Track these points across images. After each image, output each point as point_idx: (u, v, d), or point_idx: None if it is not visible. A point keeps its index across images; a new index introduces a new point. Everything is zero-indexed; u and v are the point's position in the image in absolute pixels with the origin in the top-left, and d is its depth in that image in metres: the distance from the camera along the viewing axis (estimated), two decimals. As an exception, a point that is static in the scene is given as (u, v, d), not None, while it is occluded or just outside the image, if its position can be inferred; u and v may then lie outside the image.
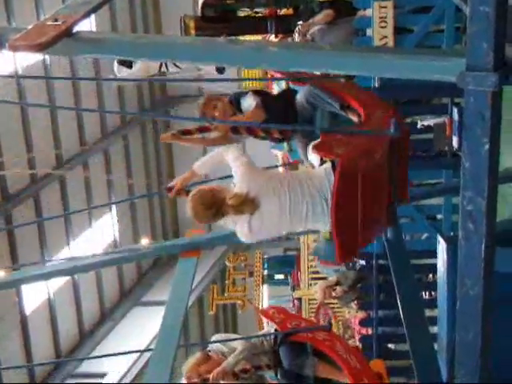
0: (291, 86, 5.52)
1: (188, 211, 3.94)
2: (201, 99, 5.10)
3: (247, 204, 3.84)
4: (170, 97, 22.28)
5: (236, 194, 3.86)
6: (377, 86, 6.67)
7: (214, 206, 3.85)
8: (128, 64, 12.66)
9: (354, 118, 4.46)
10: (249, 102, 4.98)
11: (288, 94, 5.17)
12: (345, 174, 3.65)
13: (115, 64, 12.92)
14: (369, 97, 4.65)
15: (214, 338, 6.11)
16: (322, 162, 4.12)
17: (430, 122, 7.36)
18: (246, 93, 5.18)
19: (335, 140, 3.79)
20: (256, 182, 3.90)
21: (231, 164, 4.06)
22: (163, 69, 14.08)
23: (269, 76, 12.05)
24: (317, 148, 3.83)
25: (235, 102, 5.11)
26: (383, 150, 3.84)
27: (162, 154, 22.38)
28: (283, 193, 3.88)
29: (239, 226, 3.94)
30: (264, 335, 5.66)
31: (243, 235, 3.97)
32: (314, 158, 4.23)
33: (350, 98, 4.50)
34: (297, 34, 7.91)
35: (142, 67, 13.16)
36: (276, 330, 5.41)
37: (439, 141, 7.00)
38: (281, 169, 9.44)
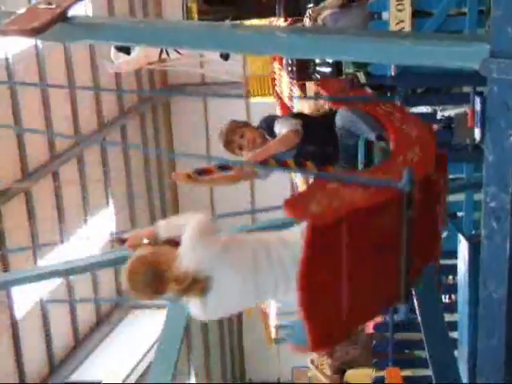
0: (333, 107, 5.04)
1: (124, 282, 3.35)
2: (224, 125, 4.84)
3: (196, 287, 3.33)
4: (171, 85, 22.29)
5: (180, 275, 3.29)
6: (393, 74, 6.65)
7: (155, 282, 3.31)
8: (126, 50, 12.69)
9: None
10: (286, 125, 4.70)
11: (330, 116, 4.80)
12: (314, 242, 2.99)
13: (112, 50, 12.94)
14: (416, 130, 3.95)
15: None
16: None
17: (450, 112, 7.34)
18: (280, 116, 4.98)
19: (321, 191, 3.18)
20: (208, 254, 3.35)
21: (187, 226, 3.47)
22: (164, 55, 14.11)
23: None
24: (286, 203, 3.03)
25: (266, 127, 4.86)
26: (395, 207, 3.15)
27: (163, 146, 22.40)
28: (245, 266, 3.37)
29: (191, 304, 3.47)
30: None
31: (196, 315, 3.51)
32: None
33: (392, 127, 4.03)
34: (307, 19, 7.90)
35: (141, 54, 13.18)
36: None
37: (460, 132, 6.98)
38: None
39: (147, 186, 21.55)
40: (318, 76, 8.32)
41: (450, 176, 7.65)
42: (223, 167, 4.56)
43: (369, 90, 5.11)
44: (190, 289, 3.32)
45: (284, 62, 11.72)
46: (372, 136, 4.29)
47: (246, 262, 3.40)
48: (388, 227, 3.23)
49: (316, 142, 4.74)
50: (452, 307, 6.92)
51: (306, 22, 7.87)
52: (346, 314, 3.24)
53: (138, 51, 13.11)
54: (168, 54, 14.05)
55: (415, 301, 4.78)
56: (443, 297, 8.55)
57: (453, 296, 8.23)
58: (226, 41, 2.88)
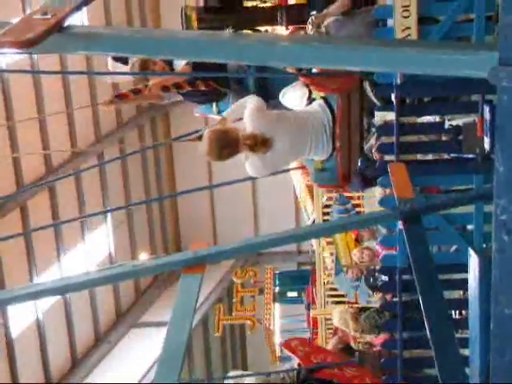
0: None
1: (202, 150, 4.76)
2: (135, 60, 6.11)
3: (263, 144, 4.75)
4: (170, 95, 22.32)
5: (251, 134, 4.82)
6: (399, 82, 6.66)
7: (229, 145, 4.74)
8: (123, 60, 12.71)
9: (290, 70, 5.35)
10: (180, 61, 5.83)
11: None
12: (343, 105, 4.42)
13: (109, 60, 12.96)
14: None
15: (230, 375, 6.17)
16: (311, 101, 5.18)
17: (458, 121, 7.35)
18: None
19: (323, 80, 4.36)
20: (268, 123, 4.84)
21: (247, 106, 5.07)
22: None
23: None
24: (317, 86, 4.80)
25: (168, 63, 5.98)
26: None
27: (162, 158, 22.44)
28: (293, 132, 4.91)
29: (252, 160, 4.92)
30: (286, 371, 5.65)
31: (254, 168, 4.98)
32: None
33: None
34: (310, 26, 7.92)
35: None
36: (299, 364, 5.38)
37: (469, 142, 6.98)
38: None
39: (146, 199, 21.55)
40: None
41: (460, 187, 7.67)
42: (136, 91, 5.75)
43: None
44: (258, 145, 4.75)
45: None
46: None
47: (293, 131, 4.79)
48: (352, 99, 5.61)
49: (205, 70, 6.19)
50: (463, 323, 6.90)
51: (309, 29, 7.89)
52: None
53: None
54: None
55: (424, 317, 4.77)
56: (454, 313, 8.53)
57: (463, 312, 8.21)
58: (228, 50, 2.88)
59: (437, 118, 7.71)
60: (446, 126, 7.51)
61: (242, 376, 5.46)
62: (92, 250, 18.27)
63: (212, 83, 5.99)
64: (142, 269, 6.87)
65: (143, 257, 16.94)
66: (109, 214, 19.21)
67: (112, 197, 19.22)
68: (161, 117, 22.22)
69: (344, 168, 5.42)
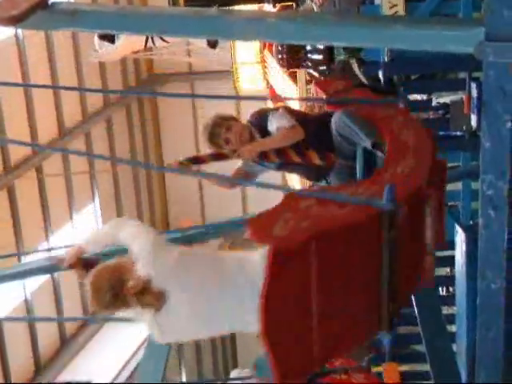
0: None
1: (88, 293, 3.43)
2: (210, 119, 4.68)
3: (150, 294, 3.28)
4: (158, 74, 22.23)
5: (138, 278, 3.28)
6: (386, 59, 6.65)
7: (113, 289, 3.31)
8: (110, 38, 12.63)
9: None
10: (281, 122, 4.46)
11: (326, 119, 4.50)
12: (276, 269, 2.77)
13: (96, 39, 12.89)
14: (415, 137, 3.79)
15: (233, 374, 5.85)
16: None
17: (445, 98, 7.36)
18: (274, 110, 4.68)
19: (290, 210, 2.93)
20: (163, 265, 3.29)
21: (128, 241, 3.45)
22: (149, 44, 14.06)
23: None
24: (250, 223, 2.91)
25: (257, 123, 4.62)
26: (374, 228, 2.95)
27: (150, 138, 22.36)
28: (196, 289, 3.24)
29: (148, 323, 3.41)
30: None
31: (155, 335, 3.45)
32: None
33: (389, 134, 3.87)
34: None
35: (125, 42, 13.13)
36: None
37: (456, 120, 6.99)
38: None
39: (134, 179, 21.51)
40: (310, 64, 8.32)
41: (448, 165, 7.69)
42: (217, 156, 4.55)
43: (370, 92, 4.86)
44: (145, 293, 3.26)
45: (274, 49, 11.71)
46: (368, 144, 4.05)
47: (197, 287, 3.25)
48: (366, 250, 3.03)
49: (310, 147, 4.46)
50: (450, 300, 6.95)
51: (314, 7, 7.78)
52: (316, 346, 2.99)
53: (122, 39, 13.05)
54: (154, 43, 14.00)
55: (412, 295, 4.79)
56: (440, 289, 8.58)
57: (450, 288, 8.27)
58: (214, 27, 2.87)
59: (424, 96, 7.72)
60: (434, 103, 7.53)
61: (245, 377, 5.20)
62: (80, 229, 18.24)
63: (332, 155, 4.42)
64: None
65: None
66: (96, 194, 19.15)
67: (99, 177, 19.18)
68: (148, 96, 22.17)
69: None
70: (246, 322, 3.16)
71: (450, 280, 7.97)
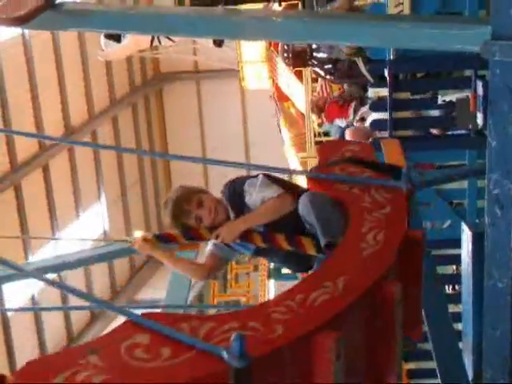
0: None
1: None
2: (174, 193, 3.86)
3: None
4: (164, 73, 22.27)
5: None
6: (392, 57, 6.65)
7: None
8: (116, 38, 12.65)
9: None
10: (266, 191, 3.68)
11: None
12: None
13: (102, 38, 12.90)
14: (379, 245, 2.83)
15: None
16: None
17: (451, 97, 7.35)
18: (251, 178, 3.83)
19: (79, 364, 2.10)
20: None
21: None
22: (155, 42, 14.08)
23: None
24: (18, 374, 2.07)
25: (230, 195, 3.79)
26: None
27: (155, 138, 22.39)
28: None
29: None
30: None
31: None
32: None
33: (351, 234, 3.00)
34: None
35: (131, 41, 13.14)
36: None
37: (462, 118, 6.99)
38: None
39: (141, 178, 21.54)
40: (315, 62, 8.31)
41: (453, 163, 7.69)
42: (191, 235, 3.73)
43: (371, 172, 3.59)
44: None
45: (280, 48, 11.70)
46: (322, 241, 3.33)
47: None
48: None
49: (286, 227, 3.65)
50: (456, 298, 6.93)
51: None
52: None
53: (128, 38, 13.07)
54: (160, 42, 14.02)
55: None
56: (447, 287, 8.58)
57: (457, 286, 8.26)
58: (221, 27, 2.87)
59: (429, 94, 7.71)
60: (439, 101, 7.52)
61: None
62: (86, 227, 18.27)
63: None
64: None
65: (138, 234, 16.99)
66: (103, 192, 19.19)
67: (106, 175, 19.21)
68: (154, 94, 22.18)
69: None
70: None
71: (456, 278, 7.96)
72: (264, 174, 3.79)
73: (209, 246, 3.79)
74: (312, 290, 2.46)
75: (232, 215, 3.75)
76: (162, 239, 3.76)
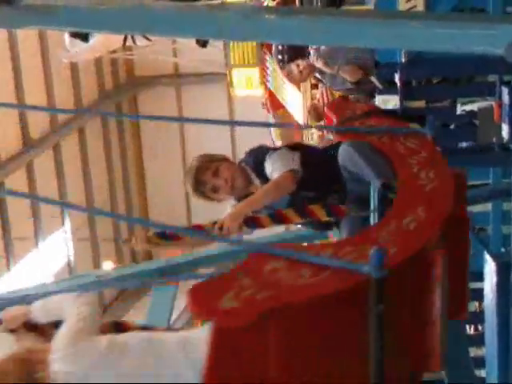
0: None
1: None
2: (193, 161, 4.43)
3: None
4: (139, 77, 22.30)
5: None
6: (403, 61, 6.68)
7: (26, 379, 3.25)
8: (83, 36, 12.69)
9: None
10: (275, 166, 4.29)
11: (333, 152, 4.37)
12: (220, 352, 2.56)
13: (67, 37, 12.94)
14: (437, 180, 3.54)
15: None
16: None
17: (472, 106, 7.39)
18: (273, 150, 4.49)
19: (252, 272, 2.71)
20: (82, 368, 3.23)
21: (66, 317, 3.42)
22: (129, 42, 14.12)
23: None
24: (192, 293, 2.58)
25: (254, 163, 4.44)
26: (358, 298, 2.71)
27: (129, 153, 22.39)
28: (130, 379, 3.21)
29: None
30: None
31: None
32: None
33: (405, 175, 3.63)
34: None
35: (101, 40, 13.18)
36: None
37: (485, 130, 7.02)
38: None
39: (111, 199, 21.50)
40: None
41: (474, 182, 7.72)
42: (195, 232, 4.18)
43: (392, 120, 4.51)
44: None
45: (273, 49, 11.76)
46: (377, 184, 3.86)
47: (130, 372, 3.25)
48: (344, 329, 2.81)
49: (317, 185, 4.35)
50: (478, 339, 6.94)
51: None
52: None
53: (97, 37, 13.11)
54: (134, 41, 14.05)
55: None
56: (468, 327, 8.58)
57: (479, 326, 8.26)
58: (204, 25, 2.89)
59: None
60: (459, 111, 7.55)
61: None
62: (48, 257, 18.21)
63: (341, 207, 4.23)
64: (106, 280, 6.87)
65: (108, 266, 16.91)
66: (67, 216, 19.13)
67: (71, 197, 19.17)
68: (127, 102, 22.21)
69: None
70: None
71: (478, 316, 7.97)
72: (286, 146, 4.48)
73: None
74: (402, 218, 3.12)
75: (257, 181, 4.36)
76: (166, 237, 4.13)
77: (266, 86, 14.90)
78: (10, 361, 3.33)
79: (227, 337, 2.53)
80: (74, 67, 18.95)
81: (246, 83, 16.22)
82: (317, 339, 2.73)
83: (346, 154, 4.14)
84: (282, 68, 10.39)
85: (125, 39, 13.95)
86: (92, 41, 13.09)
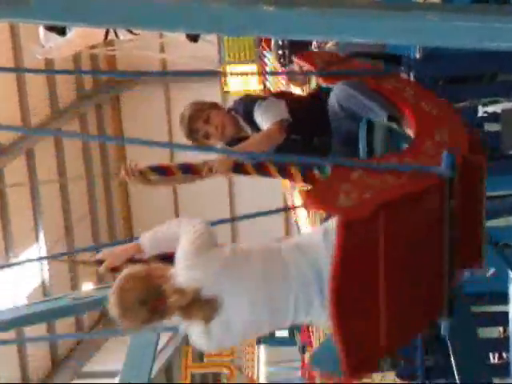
0: (323, 85, 5.11)
1: (112, 306, 3.61)
2: (185, 109, 5.13)
3: (199, 307, 3.61)
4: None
5: (179, 290, 3.60)
6: (417, 57, 6.70)
7: (151, 299, 3.60)
8: (59, 30, 12.71)
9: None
10: (266, 115, 4.89)
11: (319, 96, 5.02)
12: (350, 244, 3.31)
13: (41, 30, 12.97)
14: (437, 108, 4.29)
15: None
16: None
17: (495, 107, 7.40)
18: (262, 99, 5.08)
19: (345, 181, 3.45)
20: (213, 274, 3.66)
21: (181, 237, 3.82)
22: (111, 36, 14.14)
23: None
24: (309, 196, 3.52)
25: (243, 111, 5.07)
26: (435, 196, 3.52)
27: (110, 159, 22.42)
28: (254, 287, 3.68)
29: (193, 332, 3.75)
30: None
31: (200, 345, 3.80)
32: None
33: (406, 105, 4.35)
34: None
35: (79, 34, 13.21)
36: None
37: (509, 134, 7.04)
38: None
39: (91, 212, 21.52)
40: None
41: (497, 193, 7.73)
42: (187, 169, 4.69)
43: (368, 62, 5.48)
44: (191, 311, 3.60)
45: (273, 43, 11.79)
46: (383, 116, 4.45)
47: (256, 277, 3.69)
48: (427, 221, 3.62)
49: (303, 131, 4.94)
50: (504, 369, 6.95)
51: None
52: (385, 331, 3.52)
53: (75, 31, 13.13)
54: (116, 35, 14.07)
55: (454, 362, 4.81)
56: (491, 355, 8.58)
57: (504, 354, 8.27)
58: (194, 18, 2.89)
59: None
60: (480, 113, 7.57)
61: None
62: (20, 277, 18.22)
63: (316, 174, 4.61)
64: (85, 303, 6.87)
65: (87, 287, 16.92)
66: (41, 230, 19.14)
67: (46, 209, 19.17)
68: (109, 102, 22.23)
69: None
70: (311, 307, 3.67)
71: (503, 343, 7.97)
72: (272, 94, 5.48)
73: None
74: (432, 136, 3.84)
75: (248, 129, 4.97)
76: (158, 171, 4.67)
77: (264, 84, 14.94)
78: (130, 278, 3.66)
79: (351, 231, 3.26)
80: (49, 64, 18.97)
81: (242, 81, 16.25)
82: (411, 237, 3.50)
83: (342, 92, 4.64)
84: (282, 64, 10.42)
85: (106, 33, 13.98)
86: (70, 34, 13.11)
